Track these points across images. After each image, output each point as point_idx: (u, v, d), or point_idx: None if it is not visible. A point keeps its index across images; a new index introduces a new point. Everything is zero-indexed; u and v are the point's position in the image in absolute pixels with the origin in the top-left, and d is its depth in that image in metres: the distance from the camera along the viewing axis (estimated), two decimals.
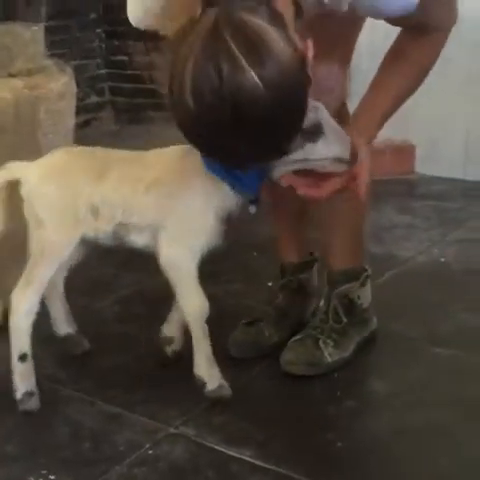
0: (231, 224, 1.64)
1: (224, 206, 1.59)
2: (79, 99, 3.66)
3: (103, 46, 4.17)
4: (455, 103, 3.29)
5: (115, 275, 2.39)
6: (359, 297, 1.90)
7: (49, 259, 1.68)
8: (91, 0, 4.03)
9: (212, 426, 1.62)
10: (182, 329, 1.78)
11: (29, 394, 1.68)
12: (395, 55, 1.57)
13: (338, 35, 1.62)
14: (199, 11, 1.26)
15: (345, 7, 1.42)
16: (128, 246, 1.67)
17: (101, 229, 1.65)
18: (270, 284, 2.05)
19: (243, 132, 1.26)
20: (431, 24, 1.52)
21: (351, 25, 1.71)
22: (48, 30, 3.55)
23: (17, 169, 1.69)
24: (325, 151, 1.45)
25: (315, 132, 1.42)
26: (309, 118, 1.39)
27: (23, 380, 1.68)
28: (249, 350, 1.87)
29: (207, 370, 1.67)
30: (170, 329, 1.82)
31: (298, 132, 1.36)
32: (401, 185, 3.29)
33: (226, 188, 1.57)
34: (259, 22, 1.24)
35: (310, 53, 1.32)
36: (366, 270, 1.92)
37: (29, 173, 1.68)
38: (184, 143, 1.65)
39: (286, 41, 1.25)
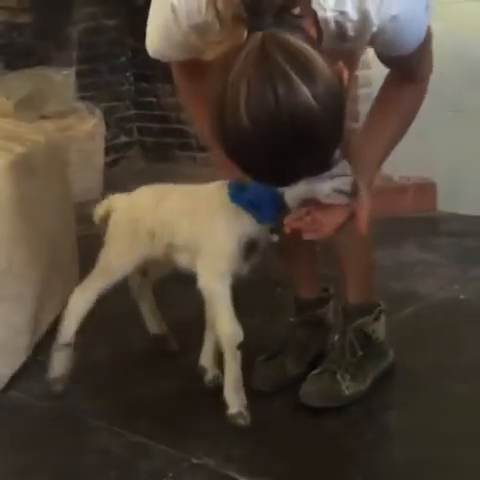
0: (259, 257, 1.76)
1: (246, 235, 1.72)
2: (108, 139, 3.81)
3: (132, 88, 4.31)
4: (476, 140, 3.34)
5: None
6: (374, 331, 1.95)
7: (108, 276, 1.93)
8: (120, 44, 4.18)
9: (234, 457, 1.67)
10: (215, 359, 1.90)
11: (58, 378, 1.91)
12: (385, 103, 1.65)
13: None
14: (244, 36, 1.29)
15: (367, 39, 1.49)
16: (179, 267, 1.85)
17: (155, 250, 1.85)
18: (292, 319, 2.10)
19: (299, 149, 1.30)
20: (418, 71, 1.61)
21: (352, 63, 1.77)
22: (79, 74, 3.71)
23: (114, 200, 1.97)
24: (327, 182, 1.53)
25: None
26: None
27: (58, 364, 1.92)
28: (271, 383, 1.92)
29: (231, 394, 1.76)
30: (204, 359, 1.93)
31: (339, 144, 1.41)
32: (423, 222, 3.33)
33: (248, 218, 1.71)
34: (301, 42, 1.30)
35: (345, 73, 1.38)
36: (379, 305, 1.98)
37: (118, 204, 1.94)
38: (213, 180, 1.81)
39: (325, 60, 1.31)
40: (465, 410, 1.84)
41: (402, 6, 1.45)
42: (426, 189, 3.51)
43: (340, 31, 1.45)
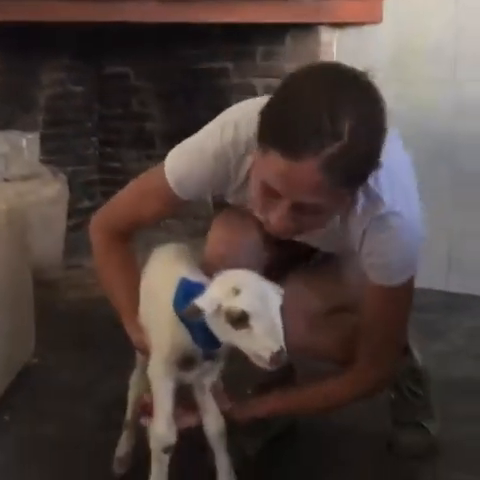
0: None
1: (181, 347, 1.53)
2: (72, 203, 3.77)
3: (97, 153, 4.32)
4: (438, 215, 3.38)
5: (95, 380, 2.40)
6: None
7: None
8: (87, 110, 4.21)
9: None
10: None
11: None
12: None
13: None
14: None
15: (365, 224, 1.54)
16: None
17: None
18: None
19: None
20: (382, 354, 1.69)
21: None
22: (44, 137, 3.70)
23: None
24: (247, 342, 1.38)
25: (241, 319, 1.37)
26: (239, 303, 1.37)
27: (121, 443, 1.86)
28: None
29: None
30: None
31: None
32: None
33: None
34: None
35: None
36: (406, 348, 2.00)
37: None
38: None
39: None
40: None
41: (406, 210, 1.52)
42: None
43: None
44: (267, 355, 1.34)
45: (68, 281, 3.34)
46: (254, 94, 3.74)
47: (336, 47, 3.54)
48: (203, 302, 1.39)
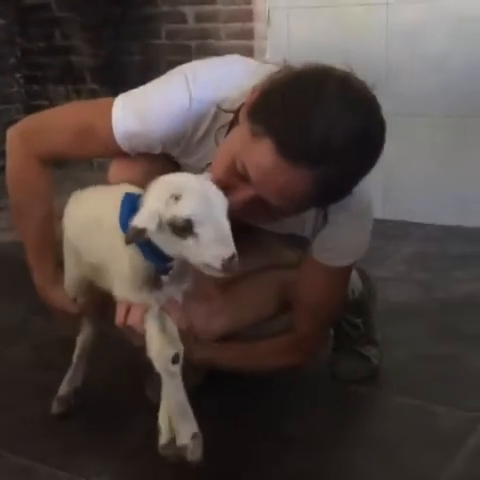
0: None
1: (140, 265, 1.37)
2: None
3: (22, 91, 4.17)
4: None
5: (26, 320, 2.34)
6: (353, 292, 1.96)
7: None
8: (9, 45, 4.03)
9: (127, 476, 1.56)
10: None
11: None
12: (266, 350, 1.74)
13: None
14: None
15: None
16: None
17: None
18: None
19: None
20: (319, 330, 1.74)
21: None
22: None
23: None
24: (195, 252, 1.26)
25: (185, 228, 1.24)
26: (180, 210, 1.25)
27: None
28: None
29: (162, 421, 1.40)
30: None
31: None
32: None
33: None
34: None
35: None
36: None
37: None
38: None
39: None
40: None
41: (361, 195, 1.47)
42: None
43: None
44: (218, 263, 1.23)
45: None
46: (184, 22, 3.62)
47: None
48: (142, 219, 1.25)
